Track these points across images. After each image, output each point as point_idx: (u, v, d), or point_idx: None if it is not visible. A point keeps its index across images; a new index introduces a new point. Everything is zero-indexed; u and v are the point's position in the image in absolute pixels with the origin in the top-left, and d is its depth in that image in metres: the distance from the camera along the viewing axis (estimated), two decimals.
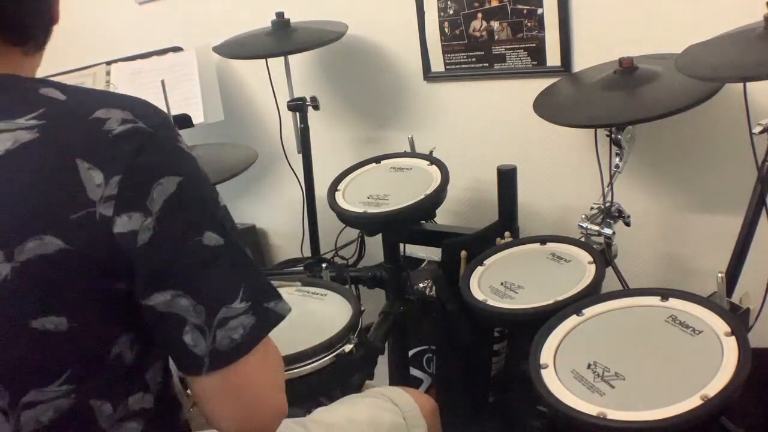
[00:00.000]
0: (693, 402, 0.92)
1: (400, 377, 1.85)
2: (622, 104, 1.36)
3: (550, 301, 1.23)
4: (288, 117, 2.00)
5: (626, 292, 1.26)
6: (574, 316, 1.16)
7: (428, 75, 1.90)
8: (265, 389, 0.77)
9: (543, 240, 1.46)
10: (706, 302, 1.10)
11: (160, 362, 0.78)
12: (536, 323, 1.16)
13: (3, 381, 0.68)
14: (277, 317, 0.75)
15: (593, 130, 1.45)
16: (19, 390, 0.68)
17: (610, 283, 1.38)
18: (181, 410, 0.87)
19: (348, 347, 1.30)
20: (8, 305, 0.66)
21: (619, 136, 1.40)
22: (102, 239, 0.67)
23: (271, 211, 2.45)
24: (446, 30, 1.80)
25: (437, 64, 1.86)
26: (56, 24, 0.79)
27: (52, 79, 0.74)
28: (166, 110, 1.79)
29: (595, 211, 1.46)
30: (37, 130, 0.67)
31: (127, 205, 0.67)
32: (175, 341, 0.71)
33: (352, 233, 1.94)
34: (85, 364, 0.70)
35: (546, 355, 1.09)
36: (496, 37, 1.73)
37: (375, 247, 1.87)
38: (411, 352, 1.89)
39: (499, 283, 1.35)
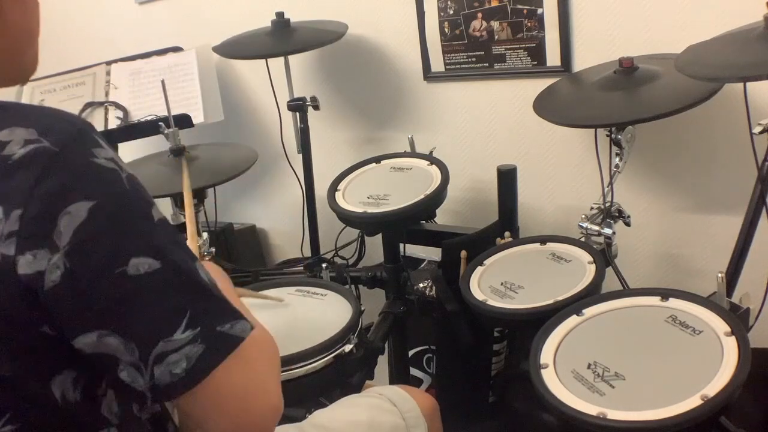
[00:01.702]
0: (693, 402, 0.92)
1: (400, 377, 1.85)
2: (622, 104, 1.36)
3: (550, 301, 1.23)
4: (288, 117, 2.00)
5: (626, 292, 1.26)
6: (574, 316, 1.16)
7: (428, 75, 1.90)
8: (244, 398, 0.69)
9: (543, 240, 1.46)
10: (706, 302, 1.10)
11: (113, 391, 0.70)
12: (536, 323, 1.16)
13: None
14: (235, 340, 0.66)
15: (593, 130, 1.45)
16: None
17: (610, 283, 1.38)
18: (167, 423, 0.81)
19: (348, 347, 1.30)
20: None
21: (619, 136, 1.40)
22: (9, 282, 0.59)
23: (271, 211, 2.45)
24: (446, 30, 1.80)
25: (437, 64, 1.86)
26: None
27: None
28: (166, 110, 1.80)
29: (595, 211, 1.46)
30: None
31: (30, 242, 0.59)
32: (112, 377, 0.64)
33: (352, 233, 1.94)
34: (26, 406, 0.64)
35: (546, 355, 1.09)
36: (496, 37, 1.73)
37: (375, 247, 1.87)
38: (411, 352, 1.89)
39: (499, 283, 1.35)
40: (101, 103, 2.08)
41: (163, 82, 1.76)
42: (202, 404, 0.67)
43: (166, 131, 1.80)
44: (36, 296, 0.60)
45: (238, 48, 1.92)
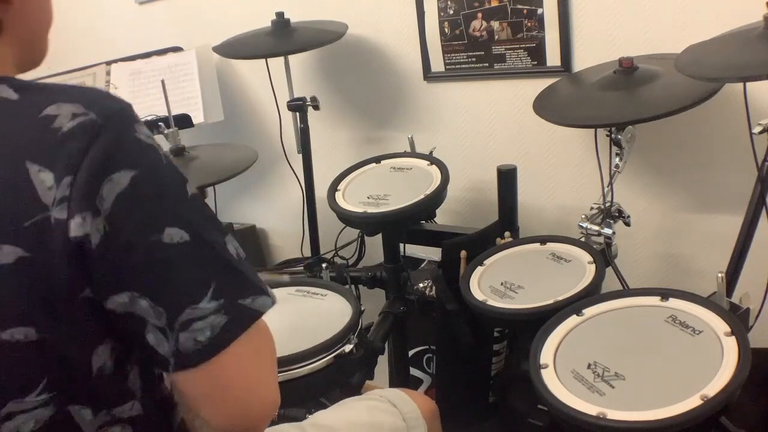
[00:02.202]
0: (693, 402, 0.92)
1: (400, 377, 1.85)
2: (622, 104, 1.36)
3: (550, 301, 1.23)
4: (288, 117, 2.00)
5: (626, 292, 1.26)
6: (574, 316, 1.16)
7: (428, 75, 1.90)
8: (248, 386, 0.72)
9: (543, 240, 1.46)
10: (706, 302, 1.10)
11: (138, 366, 0.74)
12: (536, 323, 1.16)
13: None
14: (254, 314, 0.70)
15: (593, 130, 1.45)
16: None
17: (610, 283, 1.38)
18: (174, 411, 0.84)
19: (348, 347, 1.30)
20: None
21: (619, 136, 1.40)
22: (59, 245, 0.63)
23: (271, 211, 2.45)
24: (446, 30, 1.80)
25: (437, 64, 1.86)
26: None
27: (9, 76, 0.70)
28: (166, 110, 1.80)
29: (595, 211, 1.46)
30: None
31: (78, 206, 0.63)
32: (139, 340, 0.68)
33: (352, 233, 1.94)
34: (63, 373, 0.67)
35: (546, 355, 1.09)
36: (496, 37, 1.73)
37: (375, 247, 1.87)
38: (411, 352, 1.89)
39: (499, 283, 1.35)
40: None
41: (163, 82, 1.77)
42: (211, 385, 0.70)
43: (166, 131, 1.80)
44: (82, 258, 0.64)
45: (238, 48, 1.92)
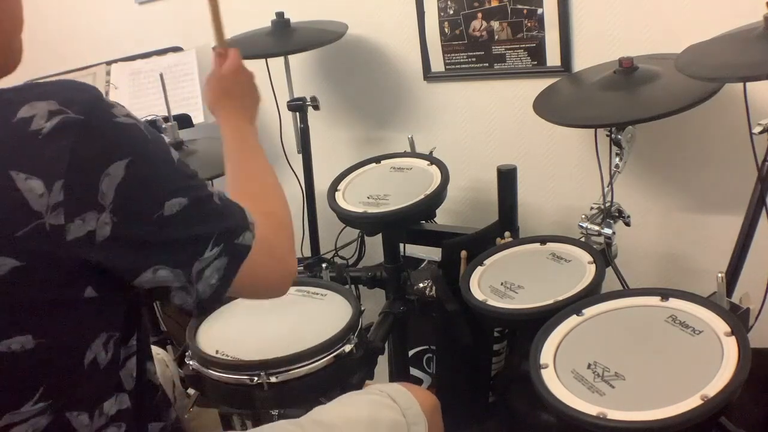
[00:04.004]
0: (693, 402, 0.92)
1: (400, 377, 1.85)
2: (622, 104, 1.36)
3: (550, 301, 1.23)
4: (288, 117, 2.00)
5: (626, 292, 1.26)
6: (574, 316, 1.16)
7: (428, 75, 1.90)
8: (268, 283, 0.84)
9: (543, 240, 1.46)
10: (706, 302, 1.10)
11: (134, 356, 0.77)
12: (536, 323, 1.16)
13: None
14: (245, 249, 0.77)
15: (593, 130, 1.45)
16: None
17: (610, 283, 1.38)
18: (169, 409, 0.87)
19: (348, 347, 1.30)
20: None
21: (619, 136, 1.40)
22: (56, 250, 0.63)
23: None
24: (446, 30, 1.80)
25: (437, 64, 1.86)
26: None
27: None
28: (167, 109, 1.80)
29: (595, 211, 1.46)
30: None
31: (77, 208, 0.63)
32: (167, 302, 0.74)
33: (352, 233, 1.94)
34: (58, 377, 0.68)
35: (546, 355, 1.09)
36: (496, 37, 1.73)
37: (375, 247, 1.87)
38: (411, 352, 1.89)
39: (499, 283, 1.35)
40: None
41: (161, 75, 1.76)
42: (239, 292, 0.79)
43: (164, 125, 1.80)
44: (82, 259, 0.65)
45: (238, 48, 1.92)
